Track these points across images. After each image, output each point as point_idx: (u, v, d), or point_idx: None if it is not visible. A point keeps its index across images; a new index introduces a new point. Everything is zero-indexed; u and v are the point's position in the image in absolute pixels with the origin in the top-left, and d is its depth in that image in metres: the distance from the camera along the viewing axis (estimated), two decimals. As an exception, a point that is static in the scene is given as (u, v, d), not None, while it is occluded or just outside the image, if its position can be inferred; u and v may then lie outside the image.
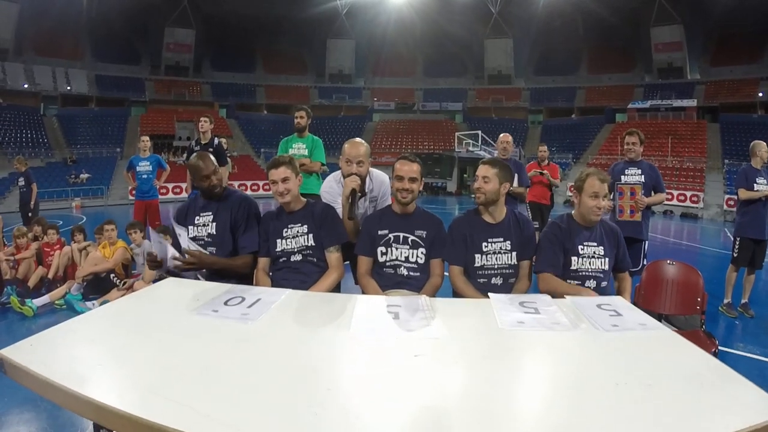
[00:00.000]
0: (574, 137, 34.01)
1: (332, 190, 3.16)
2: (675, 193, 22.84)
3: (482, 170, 2.81)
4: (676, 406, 1.25)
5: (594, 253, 2.74)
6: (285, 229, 2.82)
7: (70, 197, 22.49)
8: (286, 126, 5.88)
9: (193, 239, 2.90)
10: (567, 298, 2.26)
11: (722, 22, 32.58)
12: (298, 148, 5.53)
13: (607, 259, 2.75)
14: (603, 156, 29.59)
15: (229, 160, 7.29)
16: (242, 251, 2.88)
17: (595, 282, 2.74)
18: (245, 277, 2.87)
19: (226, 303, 1.99)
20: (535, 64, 40.19)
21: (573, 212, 2.87)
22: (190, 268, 2.71)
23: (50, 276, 6.19)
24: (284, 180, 2.77)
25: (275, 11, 36.07)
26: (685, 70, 35.94)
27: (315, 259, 2.82)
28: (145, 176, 7.73)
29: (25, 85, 32.93)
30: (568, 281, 2.72)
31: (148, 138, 8.15)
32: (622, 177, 4.74)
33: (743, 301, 5.48)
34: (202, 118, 6.75)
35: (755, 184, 5.33)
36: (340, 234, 2.86)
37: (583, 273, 2.73)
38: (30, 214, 9.09)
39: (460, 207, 23.45)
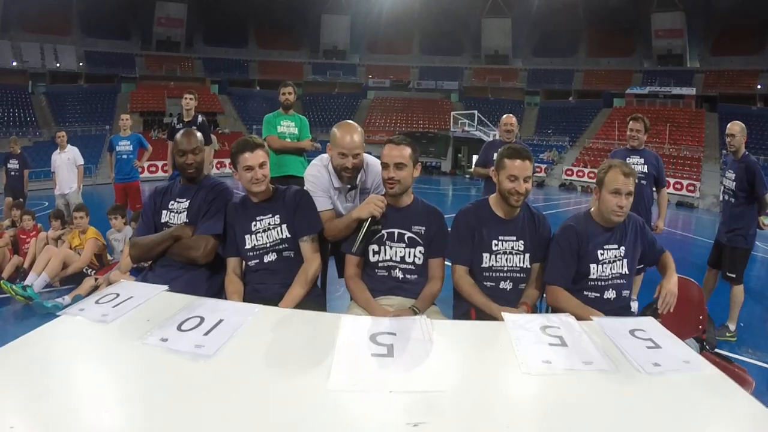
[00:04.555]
0: (571, 120, 33.67)
1: (321, 176, 2.69)
2: (672, 181, 22.64)
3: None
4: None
5: (615, 256, 2.42)
6: (254, 223, 2.48)
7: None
8: (279, 103, 5.50)
9: (165, 225, 2.60)
10: (594, 320, 1.95)
11: (724, 11, 32.23)
12: (288, 126, 5.17)
13: (626, 261, 2.43)
14: (600, 140, 29.44)
15: (213, 138, 6.99)
16: (198, 233, 2.53)
17: (615, 292, 2.43)
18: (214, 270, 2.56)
19: (179, 327, 1.67)
20: (533, 45, 39.63)
21: (592, 209, 2.52)
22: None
23: (26, 265, 5.84)
24: (262, 165, 2.42)
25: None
26: (685, 57, 35.67)
27: (292, 254, 2.49)
28: (125, 156, 7.39)
29: (14, 63, 32.10)
30: (585, 293, 2.42)
31: (128, 116, 7.82)
32: None
33: (725, 323, 4.67)
34: (186, 95, 6.42)
35: (723, 178, 4.85)
36: (315, 222, 2.53)
37: (603, 283, 2.42)
38: (22, 200, 8.58)
39: (455, 187, 23.33)
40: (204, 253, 2.47)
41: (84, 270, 5.45)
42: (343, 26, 40.67)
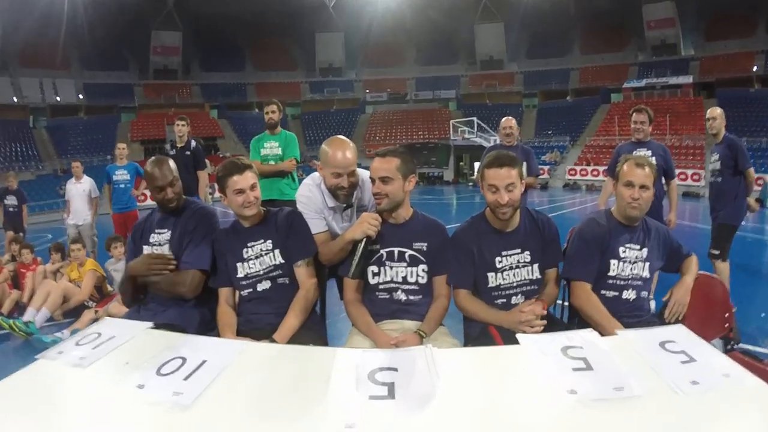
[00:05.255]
0: (570, 119, 33.52)
1: (313, 196, 2.51)
2: (676, 172, 22.45)
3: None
4: None
5: (636, 257, 2.28)
6: (245, 250, 2.33)
7: (61, 209, 22.03)
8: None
9: None
10: (619, 334, 1.78)
11: (714, -4, 32.08)
12: (271, 148, 5.00)
13: (647, 264, 2.29)
14: (600, 137, 29.29)
15: (208, 162, 6.86)
16: (184, 267, 2.38)
17: (634, 293, 2.28)
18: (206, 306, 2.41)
19: (159, 370, 1.52)
20: (527, 48, 39.67)
21: (613, 208, 2.41)
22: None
23: (24, 299, 5.74)
24: (253, 187, 2.28)
25: (262, 8, 35.46)
26: (679, 46, 35.52)
27: (287, 280, 2.34)
28: (122, 186, 7.28)
29: (14, 99, 32.59)
30: (603, 291, 2.27)
31: (124, 145, 7.73)
32: None
33: None
34: (178, 121, 6.34)
35: (709, 164, 4.83)
36: (309, 246, 2.37)
37: (622, 282, 2.28)
38: (22, 234, 8.43)
39: (458, 196, 23.13)
40: (191, 288, 2.33)
41: (85, 302, 5.34)
42: (337, 43, 40.90)
